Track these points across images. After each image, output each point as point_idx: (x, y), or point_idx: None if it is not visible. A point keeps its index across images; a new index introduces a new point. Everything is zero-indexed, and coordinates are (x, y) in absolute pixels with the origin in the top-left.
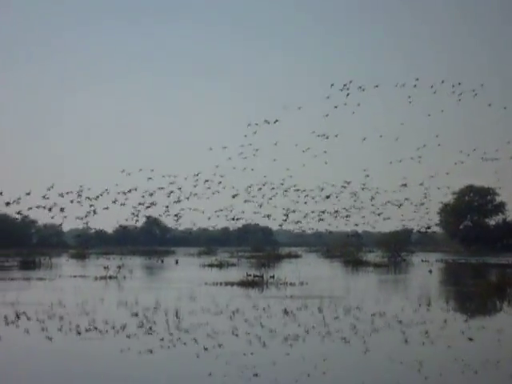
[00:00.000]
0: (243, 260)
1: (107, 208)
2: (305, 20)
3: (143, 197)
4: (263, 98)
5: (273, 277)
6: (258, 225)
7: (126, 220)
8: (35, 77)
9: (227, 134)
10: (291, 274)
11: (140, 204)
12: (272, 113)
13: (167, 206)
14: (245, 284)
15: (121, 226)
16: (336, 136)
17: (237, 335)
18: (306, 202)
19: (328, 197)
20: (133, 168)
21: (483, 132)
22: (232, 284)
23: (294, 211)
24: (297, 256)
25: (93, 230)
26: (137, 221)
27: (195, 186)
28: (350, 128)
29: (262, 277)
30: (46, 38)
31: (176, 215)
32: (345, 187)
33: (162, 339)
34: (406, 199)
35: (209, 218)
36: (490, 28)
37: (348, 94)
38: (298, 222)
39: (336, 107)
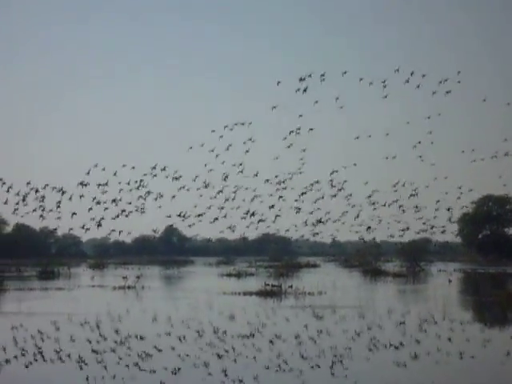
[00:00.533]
0: (261, 270)
1: (60, 203)
2: (305, 18)
3: (119, 190)
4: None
5: (291, 286)
6: (275, 234)
7: (93, 219)
8: (33, 74)
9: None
10: (309, 283)
11: (96, 202)
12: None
13: (130, 203)
14: (263, 294)
15: (82, 228)
16: (311, 130)
17: (250, 356)
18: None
19: (304, 193)
20: (116, 165)
21: (477, 130)
22: (250, 294)
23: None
24: (315, 265)
25: (111, 240)
26: (99, 225)
27: (179, 179)
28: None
29: (280, 286)
30: (45, 34)
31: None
32: (333, 186)
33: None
34: (396, 200)
35: (174, 214)
36: (488, 21)
37: (306, 88)
38: (287, 230)
39: (301, 90)
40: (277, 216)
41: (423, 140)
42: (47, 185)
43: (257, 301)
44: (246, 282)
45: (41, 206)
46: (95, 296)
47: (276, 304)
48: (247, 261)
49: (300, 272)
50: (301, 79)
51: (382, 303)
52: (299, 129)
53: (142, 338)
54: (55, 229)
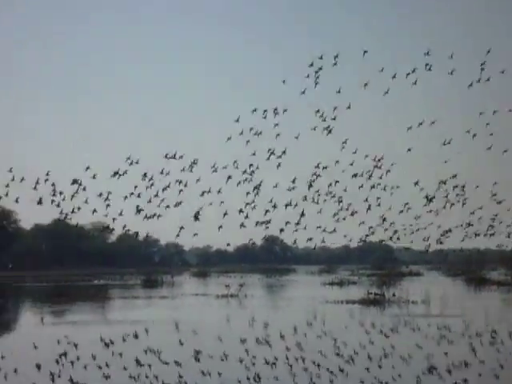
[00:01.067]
0: (364, 278)
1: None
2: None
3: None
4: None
5: (394, 295)
6: (377, 242)
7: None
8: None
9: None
10: (412, 292)
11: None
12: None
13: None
14: (366, 302)
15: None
16: (348, 108)
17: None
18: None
19: (337, 182)
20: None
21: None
22: (353, 302)
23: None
24: (418, 274)
25: (213, 249)
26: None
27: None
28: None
29: (383, 295)
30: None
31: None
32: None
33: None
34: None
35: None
36: None
37: (320, 69)
38: (309, 239)
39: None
40: (302, 215)
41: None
42: (76, 180)
43: (359, 309)
44: (348, 290)
45: (52, 200)
46: (199, 305)
47: (379, 312)
48: (349, 269)
49: (403, 280)
50: (311, 65)
51: (486, 313)
52: (321, 113)
53: (226, 356)
54: (76, 225)
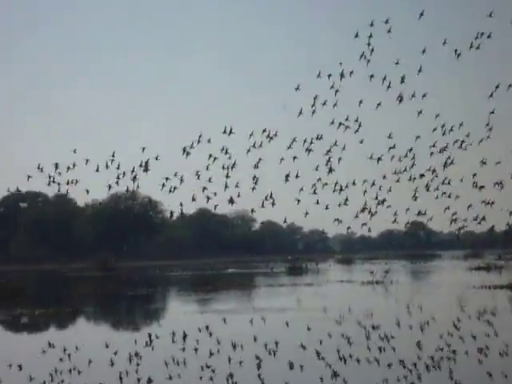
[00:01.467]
0: (511, 262)
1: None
2: None
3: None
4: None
5: None
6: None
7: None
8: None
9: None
10: None
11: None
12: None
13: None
14: None
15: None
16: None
17: None
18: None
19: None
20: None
21: None
22: (501, 287)
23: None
24: None
25: (357, 235)
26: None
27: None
28: None
29: None
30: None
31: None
32: None
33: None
34: None
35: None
36: None
37: (371, 37)
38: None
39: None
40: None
41: None
42: (146, 162)
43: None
44: (495, 275)
45: (117, 181)
46: (346, 291)
47: None
48: (496, 253)
49: None
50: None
51: None
52: (383, 76)
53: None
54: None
